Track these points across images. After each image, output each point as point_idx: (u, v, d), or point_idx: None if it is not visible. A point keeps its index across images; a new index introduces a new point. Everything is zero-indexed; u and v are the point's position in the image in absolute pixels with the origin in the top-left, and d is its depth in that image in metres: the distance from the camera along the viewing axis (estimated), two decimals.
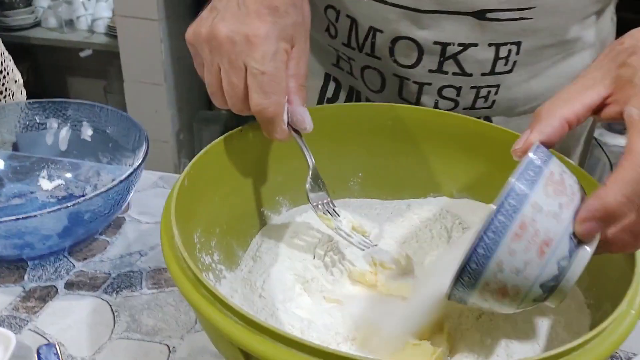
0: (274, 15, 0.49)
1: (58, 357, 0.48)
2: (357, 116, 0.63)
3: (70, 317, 0.58)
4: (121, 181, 0.60)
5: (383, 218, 0.62)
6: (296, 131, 0.53)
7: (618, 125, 2.05)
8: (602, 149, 1.98)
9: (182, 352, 0.55)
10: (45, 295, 0.60)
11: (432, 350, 0.45)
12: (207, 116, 2.26)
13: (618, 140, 1.99)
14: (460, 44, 0.64)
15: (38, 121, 0.75)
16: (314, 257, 0.56)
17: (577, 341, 0.36)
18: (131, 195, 0.66)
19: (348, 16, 0.67)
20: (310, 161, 0.54)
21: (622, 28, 0.63)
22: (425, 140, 0.63)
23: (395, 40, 0.65)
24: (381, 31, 0.65)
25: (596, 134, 1.99)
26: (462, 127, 0.61)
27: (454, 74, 0.66)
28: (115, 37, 2.02)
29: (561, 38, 0.66)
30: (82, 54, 2.28)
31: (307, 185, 0.54)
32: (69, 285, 0.62)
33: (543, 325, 0.49)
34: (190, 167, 0.50)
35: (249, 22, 0.48)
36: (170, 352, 0.55)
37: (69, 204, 0.56)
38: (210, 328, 0.43)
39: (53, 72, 2.57)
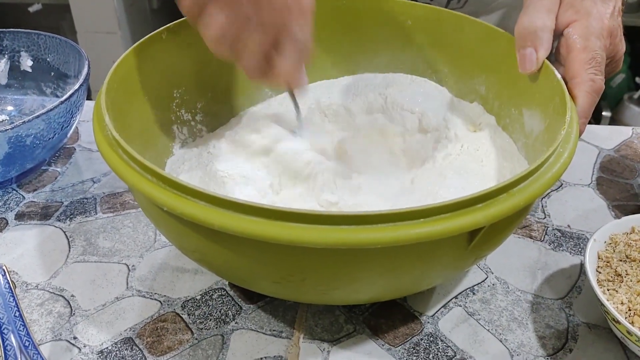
0: None
1: (6, 278, 0.45)
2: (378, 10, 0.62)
3: (22, 246, 0.55)
4: (62, 102, 0.57)
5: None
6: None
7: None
8: None
9: (142, 269, 0.53)
10: None
11: None
12: None
13: None
14: None
15: None
16: None
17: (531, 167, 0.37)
18: (77, 120, 0.63)
19: None
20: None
21: None
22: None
23: None
24: None
25: None
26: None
27: None
28: None
29: None
30: (32, 9, 2.18)
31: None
32: (20, 216, 0.59)
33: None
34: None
35: None
36: (129, 270, 0.53)
37: (7, 127, 0.53)
38: (140, 195, 0.43)
39: None
